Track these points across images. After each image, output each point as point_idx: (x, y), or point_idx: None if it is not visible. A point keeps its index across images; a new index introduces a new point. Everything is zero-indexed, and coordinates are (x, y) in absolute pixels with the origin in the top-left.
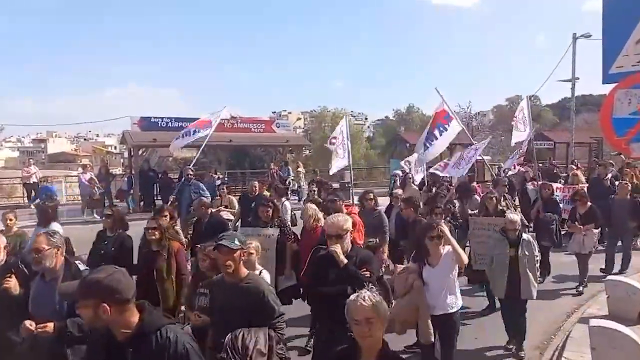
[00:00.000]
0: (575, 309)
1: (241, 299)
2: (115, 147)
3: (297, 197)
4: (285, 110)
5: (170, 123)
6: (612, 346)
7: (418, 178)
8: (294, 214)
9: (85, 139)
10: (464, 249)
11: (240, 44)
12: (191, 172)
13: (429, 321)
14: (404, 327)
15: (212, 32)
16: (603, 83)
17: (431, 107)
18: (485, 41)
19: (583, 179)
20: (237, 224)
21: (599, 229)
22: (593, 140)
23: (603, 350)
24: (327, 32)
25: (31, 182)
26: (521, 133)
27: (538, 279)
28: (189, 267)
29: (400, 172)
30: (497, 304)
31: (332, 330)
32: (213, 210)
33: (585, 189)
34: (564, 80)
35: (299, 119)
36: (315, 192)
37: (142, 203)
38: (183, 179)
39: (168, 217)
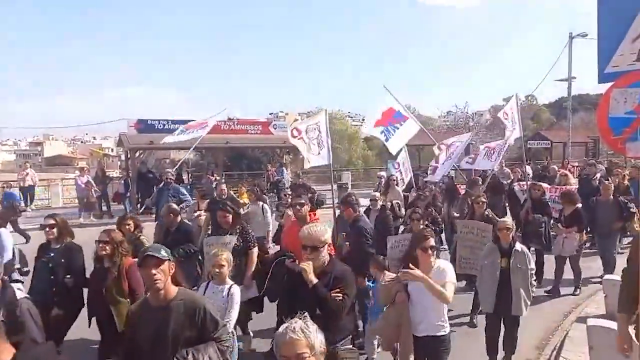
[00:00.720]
0: (574, 308)
1: (176, 320)
2: (112, 150)
3: None
4: (282, 112)
5: (167, 125)
6: (610, 345)
7: (407, 180)
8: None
9: (82, 142)
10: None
11: (239, 44)
12: (171, 176)
13: (411, 342)
14: (389, 344)
15: (211, 32)
16: (599, 82)
17: (428, 108)
18: (483, 41)
19: (572, 179)
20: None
21: (583, 231)
22: (590, 139)
23: (601, 349)
24: (324, 33)
25: (27, 185)
26: (513, 131)
27: (532, 291)
28: None
29: (384, 174)
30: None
31: None
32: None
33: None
34: (561, 80)
35: (295, 119)
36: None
37: (139, 206)
38: (162, 182)
39: (132, 226)
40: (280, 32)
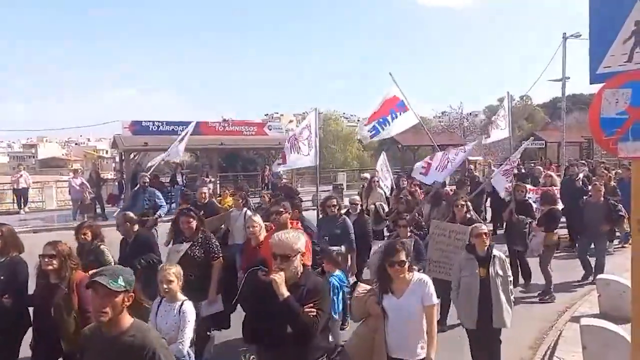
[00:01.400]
0: (567, 307)
1: (122, 357)
2: (107, 152)
3: None
4: (277, 113)
5: (161, 127)
6: (603, 345)
7: (388, 183)
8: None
9: (76, 144)
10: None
11: (237, 44)
12: (147, 179)
13: None
14: None
15: (210, 32)
16: (590, 83)
17: (423, 108)
18: (477, 42)
19: (557, 180)
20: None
21: (553, 231)
22: (584, 139)
23: (595, 348)
24: (321, 34)
25: (20, 187)
26: (502, 131)
27: (512, 302)
28: None
29: (368, 176)
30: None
31: None
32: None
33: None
34: (555, 80)
35: (291, 121)
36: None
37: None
38: (137, 185)
39: (89, 235)
40: (278, 33)
